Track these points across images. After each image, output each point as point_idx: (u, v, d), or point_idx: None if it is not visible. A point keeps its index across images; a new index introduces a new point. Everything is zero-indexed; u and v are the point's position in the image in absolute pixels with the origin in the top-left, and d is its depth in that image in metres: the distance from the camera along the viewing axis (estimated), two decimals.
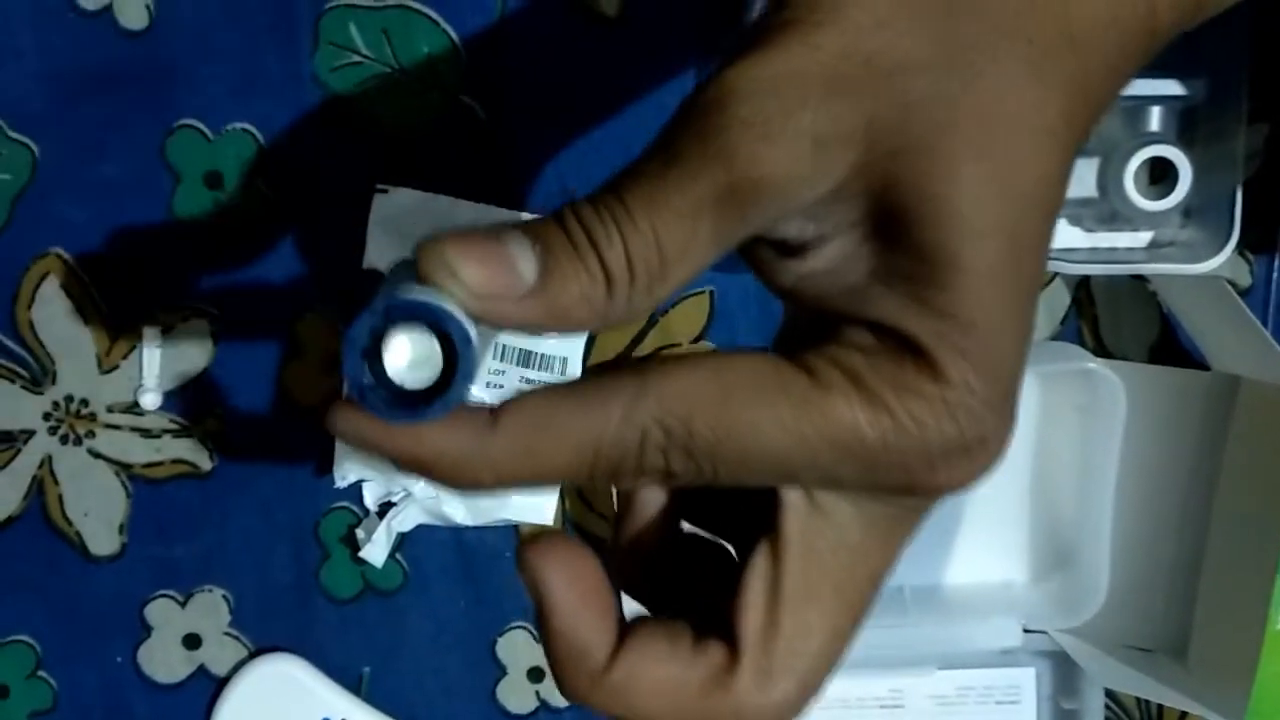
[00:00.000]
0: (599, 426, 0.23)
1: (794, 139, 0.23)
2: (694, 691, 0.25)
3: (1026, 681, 0.51)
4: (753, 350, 0.24)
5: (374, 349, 0.22)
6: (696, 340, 0.51)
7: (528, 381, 0.48)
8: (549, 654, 0.25)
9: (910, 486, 0.24)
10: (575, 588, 0.25)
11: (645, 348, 0.50)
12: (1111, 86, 0.25)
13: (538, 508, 0.50)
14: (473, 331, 0.22)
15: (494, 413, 0.23)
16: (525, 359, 0.48)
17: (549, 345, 0.48)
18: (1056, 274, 0.49)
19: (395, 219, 0.48)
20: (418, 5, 0.47)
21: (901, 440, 0.23)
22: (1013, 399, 0.24)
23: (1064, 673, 0.51)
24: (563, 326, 0.23)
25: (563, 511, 0.51)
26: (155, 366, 0.50)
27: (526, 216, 0.48)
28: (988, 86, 0.23)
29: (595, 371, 0.24)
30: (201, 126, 0.48)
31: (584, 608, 0.25)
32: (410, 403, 0.22)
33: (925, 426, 0.23)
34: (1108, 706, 0.51)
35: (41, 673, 0.53)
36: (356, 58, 0.48)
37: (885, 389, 0.23)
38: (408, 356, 0.22)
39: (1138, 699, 0.52)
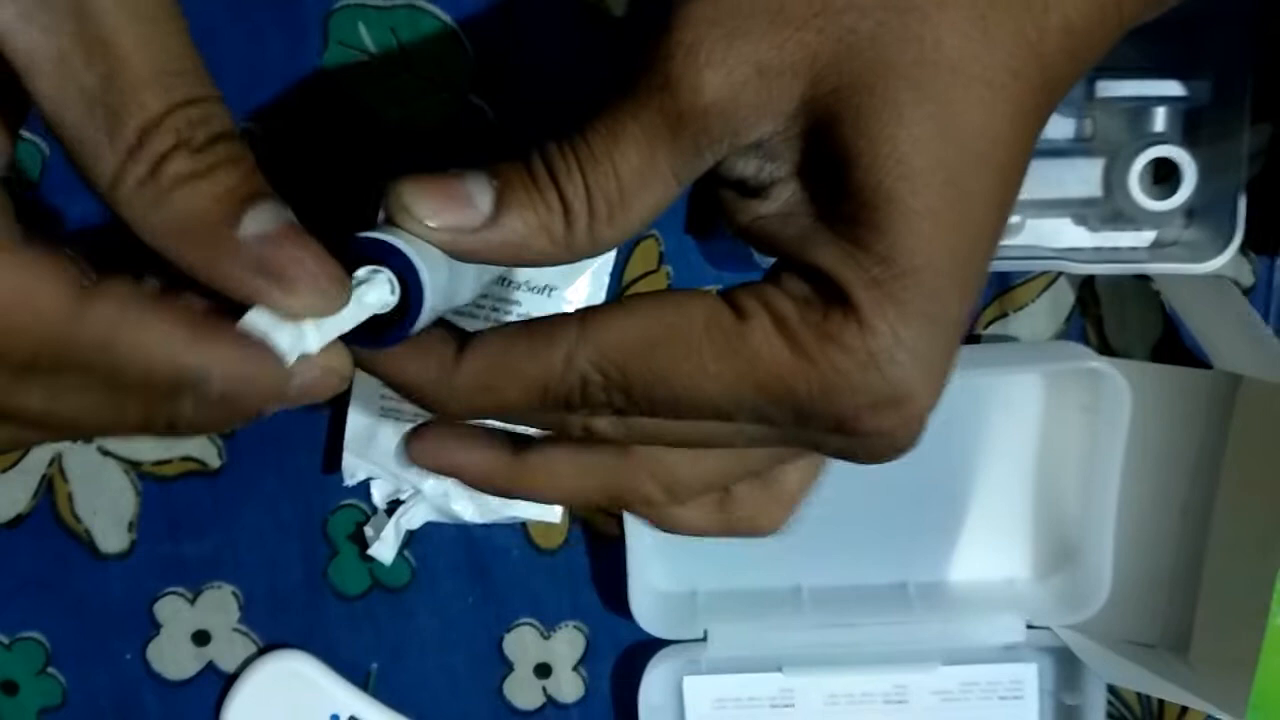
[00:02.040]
0: (544, 369, 0.25)
1: (736, 66, 0.24)
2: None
3: (1029, 677, 0.51)
4: (690, 293, 0.25)
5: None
6: None
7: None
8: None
9: (839, 429, 0.25)
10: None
11: None
12: (1070, 52, 0.24)
13: (546, 507, 0.50)
14: (423, 265, 0.23)
15: (460, 349, 0.25)
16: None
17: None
18: (1061, 273, 0.49)
19: None
20: (427, 4, 0.47)
21: (825, 390, 0.24)
22: (947, 352, 0.24)
23: (1066, 668, 0.51)
24: (524, 257, 0.25)
25: (569, 511, 0.52)
26: None
27: None
28: (931, 32, 0.23)
29: (546, 317, 0.25)
30: None
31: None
32: (375, 330, 0.24)
33: (848, 376, 0.24)
34: (1109, 702, 0.51)
35: (51, 669, 0.53)
36: (365, 57, 0.48)
37: (810, 337, 0.24)
38: (372, 290, 0.24)
39: (1139, 694, 0.53)
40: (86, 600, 0.52)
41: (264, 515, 0.52)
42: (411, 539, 0.52)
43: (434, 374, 0.25)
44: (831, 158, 0.24)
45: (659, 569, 0.52)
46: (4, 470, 0.51)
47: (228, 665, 0.53)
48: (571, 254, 0.25)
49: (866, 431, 0.24)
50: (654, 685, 0.51)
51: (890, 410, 0.24)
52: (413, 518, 0.50)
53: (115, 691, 0.53)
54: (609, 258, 0.48)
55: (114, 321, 0.22)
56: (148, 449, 0.51)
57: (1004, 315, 0.50)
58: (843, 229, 0.24)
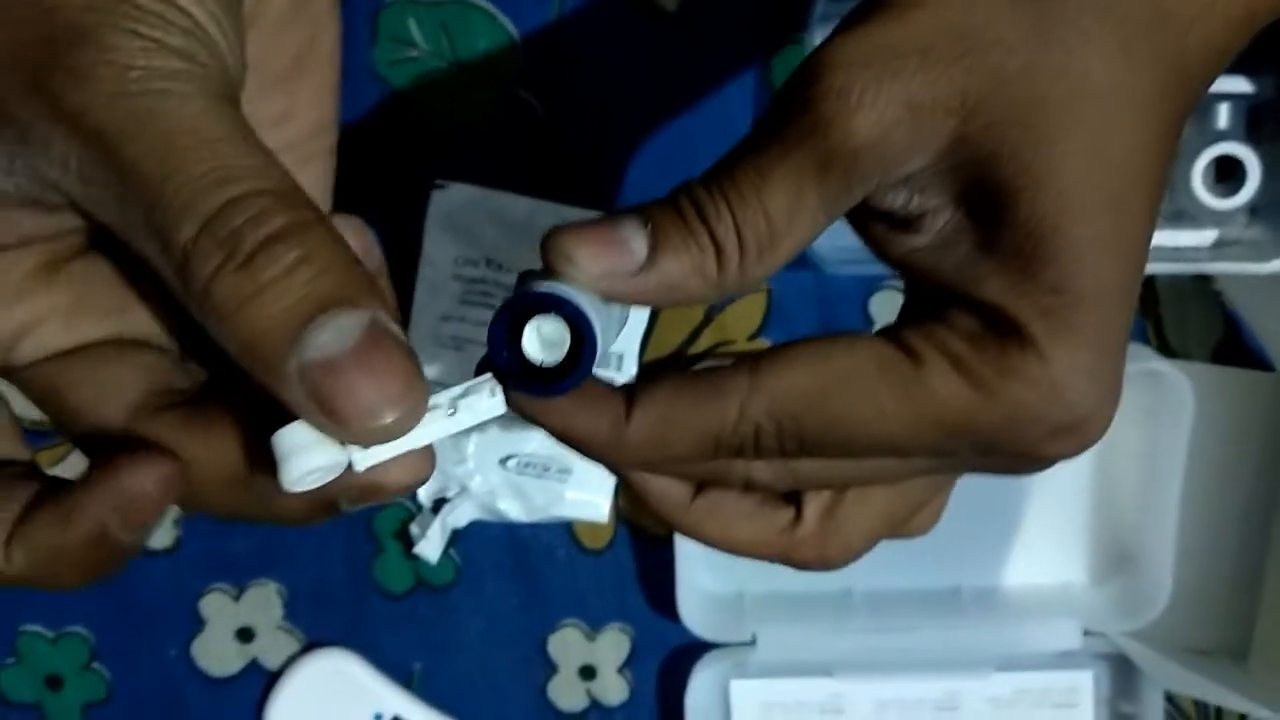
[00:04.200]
0: (717, 422, 0.25)
1: (886, 106, 0.24)
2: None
3: (1084, 684, 0.50)
4: (855, 337, 0.26)
5: (513, 336, 0.24)
6: (753, 338, 0.50)
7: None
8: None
9: (1020, 459, 0.25)
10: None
11: (700, 345, 0.50)
12: (1210, 64, 0.25)
13: (593, 505, 0.49)
14: (593, 313, 0.24)
15: (628, 404, 0.26)
16: None
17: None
18: None
19: (452, 214, 0.48)
20: (477, 0, 0.47)
21: (1009, 423, 0.24)
22: (1118, 373, 0.25)
23: (1123, 676, 0.50)
24: (680, 298, 0.25)
25: (617, 509, 0.51)
26: None
27: (579, 212, 0.48)
28: (1078, 64, 0.24)
29: (713, 367, 0.26)
30: None
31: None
32: (545, 379, 0.24)
33: (1031, 408, 0.24)
34: (1166, 710, 0.50)
35: (96, 664, 0.53)
36: (415, 52, 0.47)
37: (990, 373, 0.24)
38: (540, 340, 0.24)
39: (1195, 702, 0.52)
40: (132, 596, 0.52)
41: None
42: (457, 537, 0.52)
43: (606, 428, 0.25)
44: (989, 191, 0.24)
45: (707, 570, 0.51)
46: (51, 465, 0.51)
47: (271, 663, 0.53)
48: (723, 293, 0.25)
49: (1047, 457, 0.25)
50: (700, 688, 0.50)
51: (1070, 436, 0.25)
52: (458, 516, 0.50)
53: (159, 687, 0.53)
54: None
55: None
56: None
57: None
58: (1007, 260, 0.24)
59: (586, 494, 0.49)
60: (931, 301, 0.26)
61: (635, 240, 0.24)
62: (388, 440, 0.22)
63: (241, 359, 0.22)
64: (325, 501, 0.24)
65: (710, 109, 0.48)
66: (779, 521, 0.30)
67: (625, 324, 0.28)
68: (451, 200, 0.48)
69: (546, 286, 0.24)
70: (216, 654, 0.53)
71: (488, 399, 0.24)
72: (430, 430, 0.23)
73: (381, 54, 0.48)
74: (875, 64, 0.24)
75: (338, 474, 0.23)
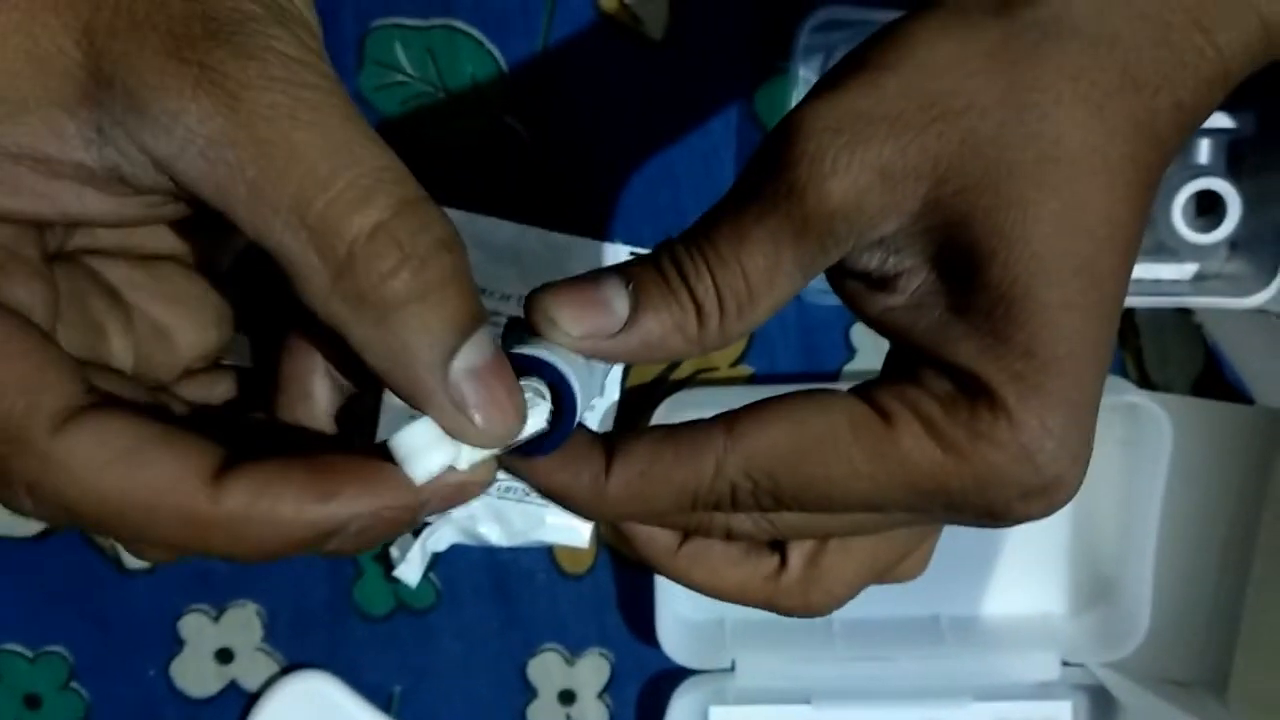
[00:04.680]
0: (694, 479, 0.26)
1: (860, 173, 0.24)
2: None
3: (1063, 715, 0.50)
4: (830, 396, 0.26)
5: None
6: (735, 365, 0.50)
7: None
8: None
9: (990, 517, 0.26)
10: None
11: (682, 372, 0.50)
12: (1182, 124, 0.25)
13: (573, 530, 0.49)
14: (573, 374, 0.24)
15: (608, 459, 0.26)
16: None
17: None
18: None
19: None
20: (463, 26, 0.47)
21: (979, 485, 0.25)
22: (1089, 434, 0.25)
23: (1101, 707, 0.50)
24: (660, 355, 0.26)
25: (598, 534, 0.51)
26: None
27: (564, 238, 0.48)
28: (1051, 128, 0.24)
29: (690, 424, 0.26)
30: None
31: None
32: (529, 442, 0.25)
33: (1001, 470, 0.24)
34: None
35: (74, 684, 0.53)
36: (401, 77, 0.48)
37: (961, 436, 0.24)
38: (531, 410, 0.24)
39: None
40: (111, 615, 0.52)
41: None
42: (437, 561, 0.52)
43: (586, 484, 0.26)
44: (961, 253, 0.24)
45: (687, 597, 0.51)
46: None
47: (250, 684, 0.53)
48: (703, 350, 0.26)
49: (1017, 517, 0.25)
50: (679, 715, 0.50)
51: (1039, 498, 0.25)
52: (439, 539, 0.50)
53: (138, 708, 0.53)
54: None
55: (249, 502, 0.22)
56: None
57: None
58: (978, 322, 0.24)
59: (567, 519, 0.49)
60: (907, 360, 0.26)
61: (617, 300, 0.25)
62: (501, 443, 0.24)
63: (389, 358, 0.22)
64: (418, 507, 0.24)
65: (695, 136, 0.48)
66: (764, 569, 0.30)
67: (608, 374, 0.29)
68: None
69: (530, 349, 0.24)
70: (195, 675, 0.53)
71: (542, 411, 0.25)
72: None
73: (368, 79, 0.48)
74: (847, 130, 0.24)
75: (439, 470, 0.23)
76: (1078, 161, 0.24)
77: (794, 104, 0.47)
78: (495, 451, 0.24)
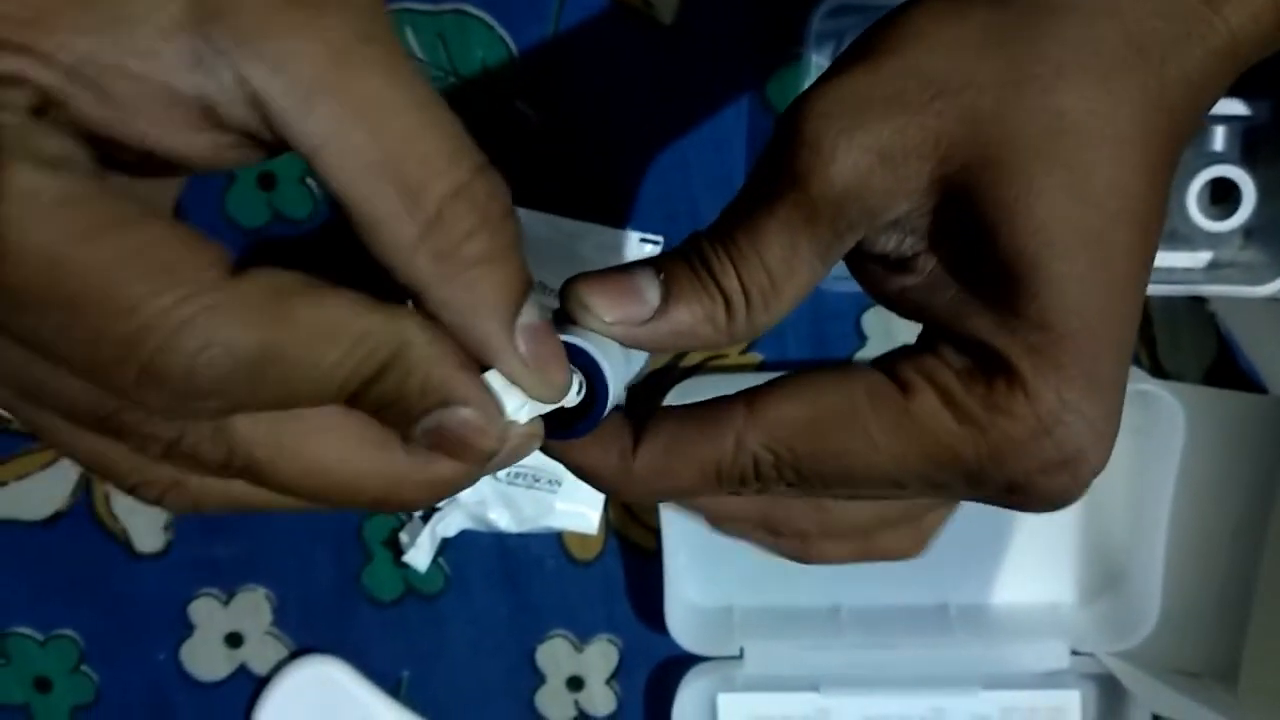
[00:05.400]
0: (717, 453, 0.26)
1: (860, 156, 0.24)
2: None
3: (1071, 704, 0.50)
4: (850, 368, 0.26)
5: None
6: (744, 352, 0.50)
7: None
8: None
9: (1014, 494, 0.25)
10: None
11: (692, 358, 0.50)
12: (1194, 96, 0.25)
13: (582, 516, 0.50)
14: (605, 360, 0.25)
15: (636, 438, 0.27)
16: None
17: None
18: None
19: None
20: (474, 11, 0.47)
21: (996, 457, 0.24)
22: (1112, 410, 0.25)
23: (1110, 696, 0.50)
24: (689, 344, 0.26)
25: (607, 521, 0.51)
26: None
27: (574, 224, 0.48)
28: (1053, 101, 0.24)
29: (712, 400, 0.27)
30: None
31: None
32: (562, 423, 0.26)
33: (1019, 443, 0.24)
34: None
35: (85, 667, 0.53)
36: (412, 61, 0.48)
37: (978, 409, 0.24)
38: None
39: None
40: (121, 599, 0.52)
41: (299, 519, 0.52)
42: (446, 546, 0.52)
43: (615, 463, 0.27)
44: (971, 230, 0.24)
45: (696, 584, 0.51)
46: (43, 468, 0.51)
47: (259, 668, 0.53)
48: (732, 339, 0.26)
49: (1041, 494, 0.25)
50: (687, 702, 0.50)
51: (1061, 471, 0.25)
52: (448, 525, 0.50)
53: (147, 691, 0.53)
54: None
55: (419, 328, 0.23)
56: None
57: None
58: (991, 297, 0.25)
59: (576, 505, 0.50)
60: (927, 334, 0.26)
61: (649, 289, 0.26)
62: (555, 398, 0.25)
63: (467, 312, 0.23)
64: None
65: (706, 122, 0.48)
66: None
67: (640, 362, 0.29)
68: None
69: (565, 335, 0.25)
70: (205, 659, 0.53)
71: (574, 392, 0.26)
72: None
73: None
74: (846, 114, 0.24)
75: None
76: (1084, 132, 0.24)
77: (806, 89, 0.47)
78: (544, 410, 0.25)
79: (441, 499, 0.27)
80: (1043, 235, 0.23)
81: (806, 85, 0.45)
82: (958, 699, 0.50)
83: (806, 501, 0.31)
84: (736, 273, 0.26)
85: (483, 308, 0.23)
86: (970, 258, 0.25)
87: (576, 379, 0.26)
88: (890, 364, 0.26)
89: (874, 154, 0.24)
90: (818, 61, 0.45)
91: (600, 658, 0.53)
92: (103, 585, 0.52)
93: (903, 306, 0.27)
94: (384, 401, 0.23)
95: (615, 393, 0.26)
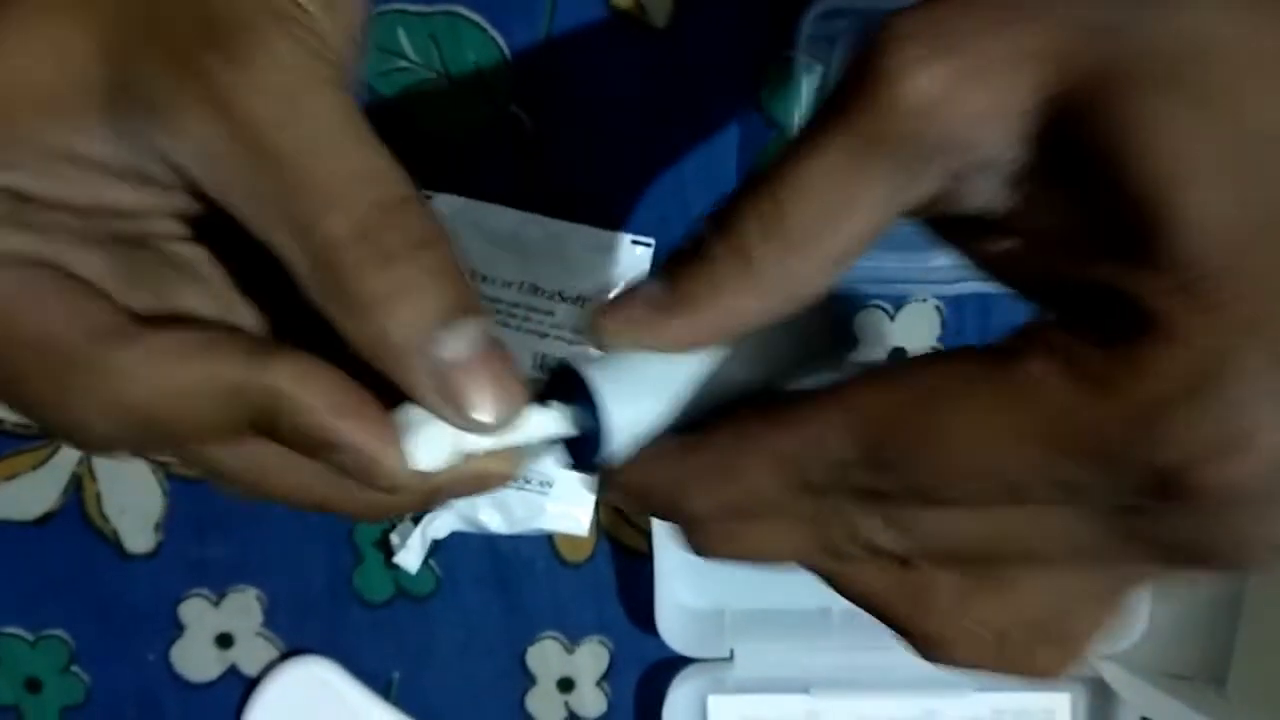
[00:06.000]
0: (789, 442, 0.22)
1: (942, 66, 0.20)
2: None
3: (1062, 706, 0.50)
4: (945, 350, 0.22)
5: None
6: None
7: None
8: None
9: (1163, 487, 0.19)
10: None
11: None
12: None
13: (573, 518, 0.50)
14: (606, 384, 0.24)
15: (687, 451, 0.24)
16: None
17: None
18: None
19: None
20: (467, 13, 0.47)
21: (1136, 426, 0.19)
22: None
23: (1100, 699, 0.50)
24: (719, 320, 0.23)
25: (597, 522, 0.51)
26: None
27: (566, 226, 0.48)
28: (1189, 21, 0.20)
29: (785, 394, 0.24)
30: None
31: None
32: (580, 454, 0.24)
33: (1165, 407, 0.18)
34: None
35: (75, 668, 0.53)
36: (404, 63, 0.48)
37: (1104, 366, 0.19)
38: (567, 417, 0.25)
39: None
40: (112, 600, 0.52)
41: (290, 519, 0.52)
42: (437, 548, 0.52)
43: (666, 468, 0.24)
44: (1090, 159, 0.20)
45: (686, 586, 0.51)
46: (34, 468, 0.51)
47: (250, 669, 0.53)
48: (768, 295, 0.22)
49: (1209, 489, 0.19)
50: (678, 704, 0.50)
51: (1235, 455, 0.18)
52: (439, 526, 0.50)
53: (137, 692, 0.53)
54: (644, 268, 0.48)
55: (290, 377, 0.24)
56: None
57: None
58: (1120, 241, 0.20)
59: (567, 507, 0.49)
60: (1040, 311, 0.22)
61: (651, 287, 0.23)
62: (497, 432, 0.24)
63: (371, 349, 0.23)
64: (433, 488, 0.25)
65: (699, 125, 0.48)
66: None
67: (707, 377, 0.25)
68: (437, 210, 0.48)
69: (582, 364, 0.24)
70: (195, 660, 0.53)
71: (564, 424, 0.25)
72: (535, 428, 0.24)
73: (371, 65, 0.48)
74: (943, 23, 0.20)
75: (453, 459, 0.24)
76: (1229, 55, 0.19)
77: (799, 93, 0.47)
78: (516, 442, 0.24)
79: (392, 516, 0.26)
80: (1186, 159, 0.19)
81: (800, 87, 0.46)
82: (949, 701, 0.50)
83: (947, 588, 0.24)
84: (765, 208, 0.22)
85: (381, 344, 0.23)
86: (1088, 196, 0.20)
87: (570, 408, 0.24)
88: (997, 341, 0.21)
89: (964, 64, 0.20)
90: (809, 63, 0.45)
91: (591, 659, 0.53)
92: (93, 586, 0.52)
93: (1005, 273, 0.23)
94: (285, 440, 0.24)
95: (648, 418, 0.24)
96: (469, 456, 0.24)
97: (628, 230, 0.48)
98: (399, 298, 0.23)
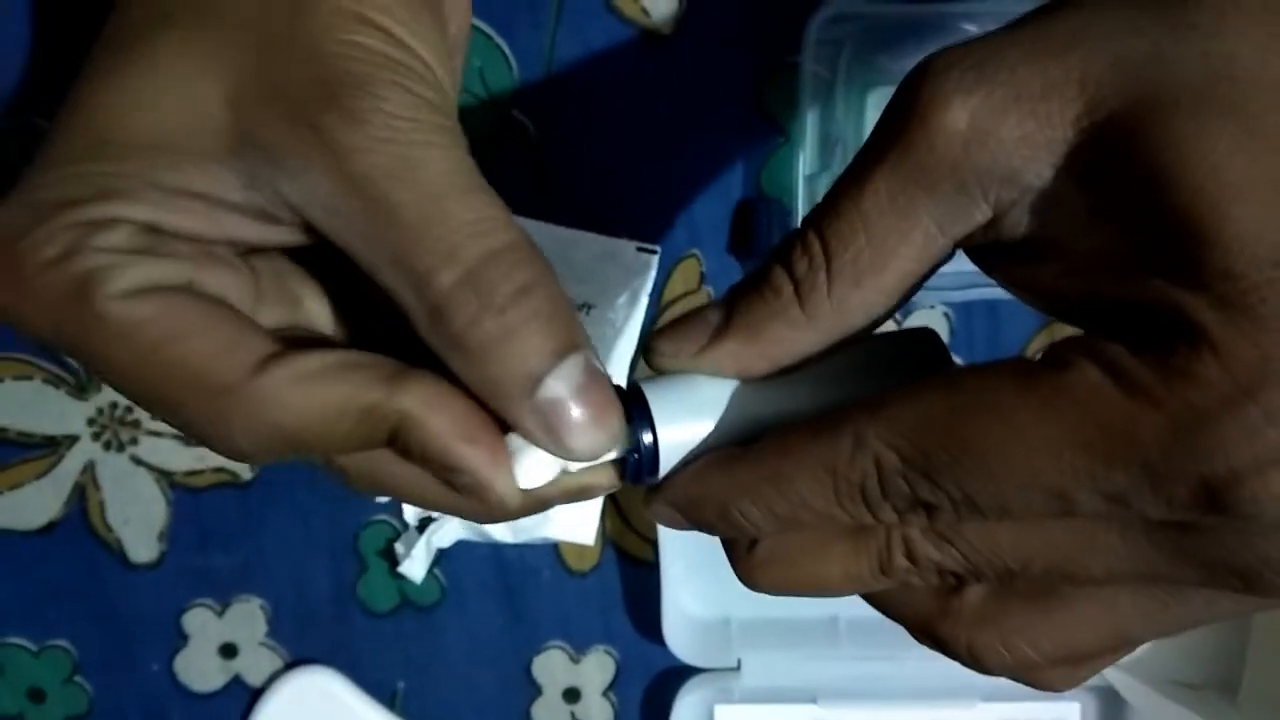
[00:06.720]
0: (832, 451, 0.23)
1: (985, 95, 0.21)
2: None
3: (1071, 716, 0.50)
4: (998, 360, 0.22)
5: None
6: None
7: None
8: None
9: (1210, 499, 0.19)
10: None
11: None
12: None
13: (579, 527, 0.49)
14: (659, 402, 0.25)
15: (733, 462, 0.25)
16: None
17: None
18: None
19: None
20: (472, 19, 0.47)
21: (1181, 435, 0.19)
22: None
23: (1110, 708, 0.50)
24: (772, 350, 0.24)
25: (603, 531, 0.51)
26: None
27: (571, 233, 0.48)
28: (1218, 46, 0.20)
29: (830, 408, 0.24)
30: None
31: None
32: (638, 468, 0.26)
33: (1210, 418, 0.19)
34: None
35: (78, 678, 0.53)
36: None
37: (1150, 376, 0.19)
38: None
39: None
40: (115, 609, 0.52)
41: (294, 528, 0.51)
42: (442, 557, 0.51)
43: (716, 478, 0.25)
44: (1130, 182, 0.20)
45: (693, 595, 0.51)
46: (38, 477, 0.51)
47: (254, 679, 0.53)
48: (823, 330, 0.24)
49: (1256, 501, 0.19)
50: (685, 714, 0.50)
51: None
52: (444, 535, 0.50)
53: (141, 702, 0.53)
54: (649, 275, 0.48)
55: (420, 400, 0.25)
56: (180, 458, 0.51)
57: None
58: (1162, 259, 0.20)
59: (573, 516, 0.49)
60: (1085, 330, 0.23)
61: (710, 313, 0.25)
62: (596, 458, 0.26)
63: (480, 390, 0.25)
64: (540, 499, 0.27)
65: (704, 131, 0.48)
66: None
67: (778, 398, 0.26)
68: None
69: (636, 377, 0.26)
70: (199, 670, 0.53)
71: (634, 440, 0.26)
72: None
73: None
74: (978, 58, 0.21)
75: (554, 475, 0.26)
76: (1258, 81, 0.20)
77: (804, 99, 0.47)
78: (607, 459, 0.26)
79: (499, 521, 0.28)
80: (1228, 175, 0.19)
81: (805, 94, 0.45)
82: (957, 711, 0.50)
83: (1045, 625, 0.25)
84: (821, 244, 0.23)
85: (492, 387, 0.25)
86: (1130, 217, 0.21)
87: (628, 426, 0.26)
88: (1044, 352, 0.22)
89: (1004, 94, 0.21)
90: (815, 70, 0.45)
91: (597, 669, 0.53)
92: (97, 596, 0.52)
93: (1049, 298, 0.23)
94: (411, 457, 0.26)
95: (700, 436, 0.25)
96: (572, 471, 0.26)
97: (633, 237, 0.48)
98: (505, 345, 0.24)
